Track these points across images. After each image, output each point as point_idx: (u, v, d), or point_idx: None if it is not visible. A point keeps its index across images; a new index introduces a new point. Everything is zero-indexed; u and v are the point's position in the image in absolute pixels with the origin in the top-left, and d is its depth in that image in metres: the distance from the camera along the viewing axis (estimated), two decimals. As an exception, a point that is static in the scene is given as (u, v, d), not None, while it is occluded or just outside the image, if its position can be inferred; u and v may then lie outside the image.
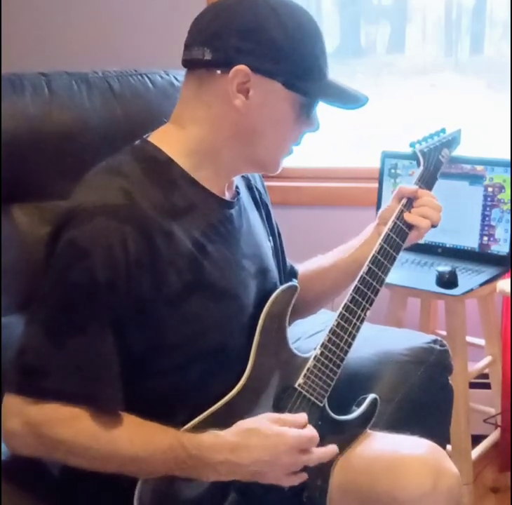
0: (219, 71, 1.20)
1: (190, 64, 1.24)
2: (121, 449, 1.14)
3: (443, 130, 1.49)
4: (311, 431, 1.20)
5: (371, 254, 1.34)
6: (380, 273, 1.34)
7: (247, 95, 1.20)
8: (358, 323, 1.32)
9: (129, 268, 1.13)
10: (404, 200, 1.39)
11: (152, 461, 1.14)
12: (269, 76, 1.20)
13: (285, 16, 1.20)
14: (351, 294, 1.32)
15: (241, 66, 1.18)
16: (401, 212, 1.38)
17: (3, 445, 1.19)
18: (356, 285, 1.33)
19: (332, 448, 1.23)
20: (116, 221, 1.14)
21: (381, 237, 1.36)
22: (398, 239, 1.36)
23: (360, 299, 1.32)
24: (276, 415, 1.22)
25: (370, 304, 1.33)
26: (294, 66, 1.20)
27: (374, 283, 1.33)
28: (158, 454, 1.14)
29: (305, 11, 1.25)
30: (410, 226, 1.38)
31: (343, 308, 1.31)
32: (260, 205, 1.44)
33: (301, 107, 1.24)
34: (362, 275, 1.33)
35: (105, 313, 1.14)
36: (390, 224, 1.37)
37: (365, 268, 1.34)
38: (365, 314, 1.32)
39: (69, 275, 1.13)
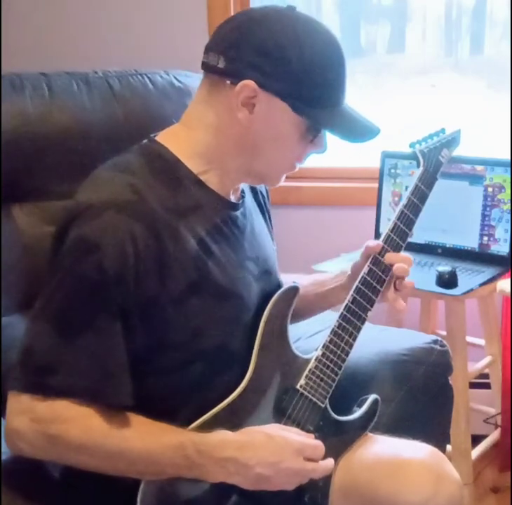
0: (228, 82, 1.20)
1: (206, 68, 1.24)
2: (132, 448, 1.13)
3: (443, 131, 1.49)
4: (316, 441, 1.21)
5: (364, 270, 1.34)
6: (381, 274, 1.34)
7: (252, 109, 1.19)
8: (359, 324, 1.32)
9: (137, 263, 1.13)
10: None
11: (162, 459, 1.14)
12: (277, 95, 1.19)
13: (306, 40, 1.18)
14: (352, 295, 1.32)
15: (249, 82, 1.17)
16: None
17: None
18: (357, 286, 1.33)
19: (331, 461, 1.22)
20: (125, 217, 1.14)
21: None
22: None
23: (361, 300, 1.32)
24: (284, 426, 1.23)
25: (371, 305, 1.33)
26: (304, 91, 1.19)
27: (375, 284, 1.33)
28: (168, 452, 1.13)
29: (332, 39, 1.22)
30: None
31: (344, 309, 1.31)
32: (264, 208, 1.45)
33: (306, 130, 1.23)
34: (363, 276, 1.33)
35: (114, 308, 1.13)
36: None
37: (365, 269, 1.34)
38: (366, 315, 1.32)
39: (78, 269, 1.13)
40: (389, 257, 1.34)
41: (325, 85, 1.21)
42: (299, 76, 1.18)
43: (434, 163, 1.43)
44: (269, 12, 1.22)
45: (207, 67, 1.23)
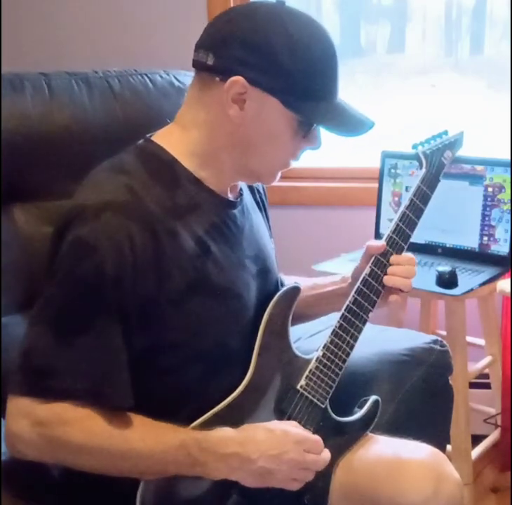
0: (218, 78, 1.19)
1: (196, 65, 1.24)
2: (134, 448, 1.13)
3: (445, 132, 1.49)
4: (316, 436, 1.21)
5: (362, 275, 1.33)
6: (382, 275, 1.34)
7: (242, 106, 1.19)
8: (360, 324, 1.31)
9: (135, 265, 1.13)
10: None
11: (164, 459, 1.14)
12: (267, 91, 1.18)
13: (296, 35, 1.17)
14: (353, 296, 1.32)
15: (238, 78, 1.17)
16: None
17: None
18: (358, 287, 1.32)
19: (327, 452, 1.22)
20: (122, 218, 1.14)
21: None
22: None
23: (362, 301, 1.32)
24: (283, 421, 1.23)
25: (372, 306, 1.33)
26: (295, 86, 1.18)
27: (376, 285, 1.33)
28: (171, 451, 1.13)
29: (322, 32, 1.22)
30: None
31: (345, 310, 1.31)
32: (261, 206, 1.45)
33: (299, 126, 1.22)
34: (364, 277, 1.33)
35: (113, 310, 1.13)
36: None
37: (367, 270, 1.33)
38: (367, 316, 1.32)
39: (76, 271, 1.13)
40: (393, 258, 1.34)
41: (315, 78, 1.20)
42: (289, 71, 1.17)
43: (437, 165, 1.43)
44: (257, 8, 1.22)
45: (197, 65, 1.23)
